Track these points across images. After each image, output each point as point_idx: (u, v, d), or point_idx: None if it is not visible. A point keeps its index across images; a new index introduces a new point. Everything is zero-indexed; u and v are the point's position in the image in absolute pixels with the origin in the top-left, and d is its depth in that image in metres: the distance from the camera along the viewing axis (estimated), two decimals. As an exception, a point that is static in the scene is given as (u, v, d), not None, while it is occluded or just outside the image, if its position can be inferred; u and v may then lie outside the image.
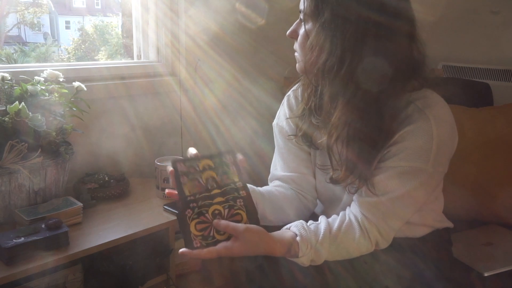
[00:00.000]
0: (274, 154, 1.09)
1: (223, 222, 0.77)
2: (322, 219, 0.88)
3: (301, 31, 0.87)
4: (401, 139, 0.83)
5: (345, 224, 0.86)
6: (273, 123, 1.08)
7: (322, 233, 0.84)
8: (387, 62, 0.79)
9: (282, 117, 1.05)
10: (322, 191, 1.03)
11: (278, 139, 1.07)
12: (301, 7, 0.87)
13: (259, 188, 0.99)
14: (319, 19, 0.81)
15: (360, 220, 0.86)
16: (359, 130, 0.83)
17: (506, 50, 1.85)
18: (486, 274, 1.11)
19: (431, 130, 0.81)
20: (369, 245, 0.86)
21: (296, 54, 0.91)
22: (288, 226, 0.86)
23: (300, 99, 1.01)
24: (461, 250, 1.17)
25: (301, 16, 0.87)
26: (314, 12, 0.82)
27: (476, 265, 1.14)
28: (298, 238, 0.82)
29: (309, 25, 0.85)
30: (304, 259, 0.82)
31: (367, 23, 0.78)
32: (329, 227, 0.85)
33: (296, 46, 0.90)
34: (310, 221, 0.87)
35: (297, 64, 0.92)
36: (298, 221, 0.86)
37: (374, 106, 0.82)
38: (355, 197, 0.90)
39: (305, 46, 0.86)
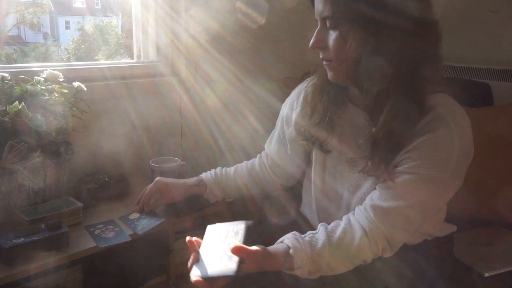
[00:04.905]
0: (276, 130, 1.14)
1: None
2: (320, 228, 0.87)
3: (333, 36, 0.82)
4: (420, 146, 0.81)
5: (349, 232, 0.84)
6: (282, 106, 1.10)
7: (320, 244, 0.82)
8: (415, 61, 0.79)
9: (289, 111, 1.06)
10: (326, 191, 1.01)
11: (283, 126, 1.09)
12: (326, 13, 0.82)
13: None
14: (355, 19, 0.79)
15: (366, 227, 0.84)
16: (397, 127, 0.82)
17: (506, 50, 1.85)
18: (486, 275, 1.11)
19: (453, 140, 0.80)
20: (376, 250, 0.84)
21: (326, 63, 0.87)
22: (281, 239, 0.85)
23: (312, 100, 0.98)
24: (462, 250, 1.17)
25: (328, 23, 0.83)
26: (346, 15, 0.79)
27: (477, 266, 1.14)
28: (291, 251, 0.81)
29: (344, 28, 0.81)
30: (300, 271, 0.81)
31: (402, 19, 0.77)
32: (328, 237, 0.83)
33: (328, 54, 0.85)
34: (308, 232, 0.86)
35: (330, 73, 0.88)
36: (291, 233, 0.85)
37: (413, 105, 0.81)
38: (366, 201, 0.88)
39: (343, 50, 0.82)
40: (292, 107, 1.06)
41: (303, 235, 0.85)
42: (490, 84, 1.68)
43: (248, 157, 1.24)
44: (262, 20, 1.74)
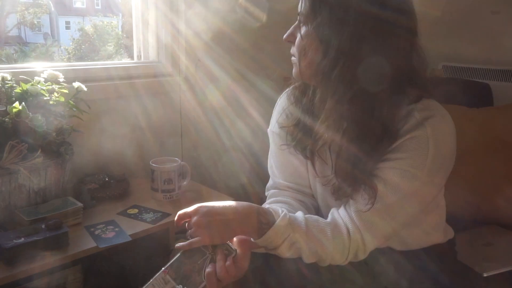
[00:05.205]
0: (269, 159, 1.06)
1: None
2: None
3: (299, 33, 0.84)
4: (396, 150, 0.81)
5: (327, 221, 0.83)
6: (268, 129, 1.06)
7: (300, 215, 0.82)
8: (382, 67, 0.77)
9: (275, 123, 1.02)
10: (324, 197, 1.00)
11: (273, 146, 1.05)
12: (299, 9, 0.84)
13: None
14: (316, 20, 0.80)
15: (347, 224, 0.82)
16: (347, 135, 0.81)
17: (506, 50, 1.85)
18: (485, 275, 1.11)
19: (427, 141, 0.79)
20: (346, 251, 0.82)
21: (293, 58, 0.88)
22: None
23: (293, 102, 0.98)
24: (461, 251, 1.17)
25: (299, 18, 0.85)
26: (311, 14, 0.80)
27: (476, 266, 1.14)
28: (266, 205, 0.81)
29: (306, 27, 0.83)
30: (279, 228, 0.78)
31: (364, 26, 0.76)
32: (309, 217, 0.83)
33: (294, 50, 0.87)
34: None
35: (293, 69, 0.89)
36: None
37: (367, 112, 0.80)
38: (351, 204, 0.85)
39: (303, 47, 0.83)
40: (274, 121, 1.04)
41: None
42: (490, 84, 1.68)
43: (248, 157, 1.23)
44: (263, 19, 1.74)
